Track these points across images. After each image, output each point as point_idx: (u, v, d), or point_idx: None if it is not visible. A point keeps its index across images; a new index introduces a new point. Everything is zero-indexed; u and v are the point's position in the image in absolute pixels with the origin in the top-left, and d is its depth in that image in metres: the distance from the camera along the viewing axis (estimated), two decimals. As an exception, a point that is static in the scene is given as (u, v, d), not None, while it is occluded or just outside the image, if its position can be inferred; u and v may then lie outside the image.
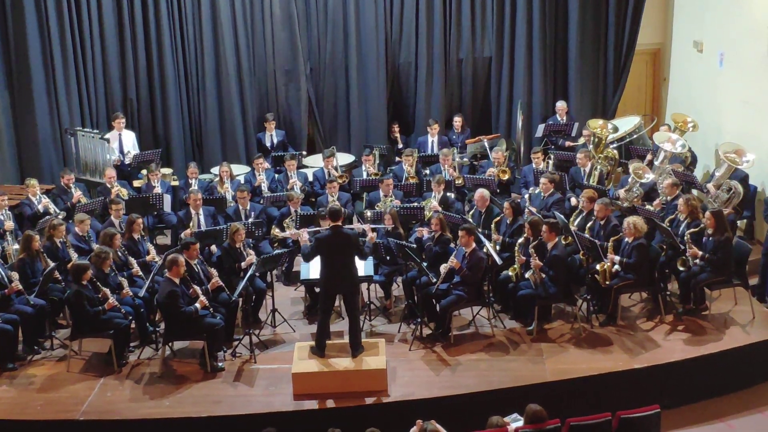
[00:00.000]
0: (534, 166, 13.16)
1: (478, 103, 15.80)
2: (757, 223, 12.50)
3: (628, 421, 7.84)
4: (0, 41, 13.97)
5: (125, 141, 13.95)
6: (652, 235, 11.12)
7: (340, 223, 9.61)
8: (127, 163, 13.74)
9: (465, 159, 14.17)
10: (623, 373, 9.61)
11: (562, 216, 11.27)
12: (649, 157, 12.97)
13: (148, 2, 14.49)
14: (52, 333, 10.54)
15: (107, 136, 13.65)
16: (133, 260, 10.91)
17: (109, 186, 12.76)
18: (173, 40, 14.76)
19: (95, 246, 10.99)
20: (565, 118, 14.64)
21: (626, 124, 14.29)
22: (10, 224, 11.77)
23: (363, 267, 10.20)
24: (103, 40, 14.45)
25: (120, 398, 9.41)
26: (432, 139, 14.56)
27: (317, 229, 11.10)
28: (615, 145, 13.78)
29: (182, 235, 11.59)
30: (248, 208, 12.23)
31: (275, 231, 12.00)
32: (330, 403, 9.23)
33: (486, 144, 14.29)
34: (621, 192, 12.30)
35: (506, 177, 13.19)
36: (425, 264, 10.45)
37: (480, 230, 11.18)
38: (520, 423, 7.72)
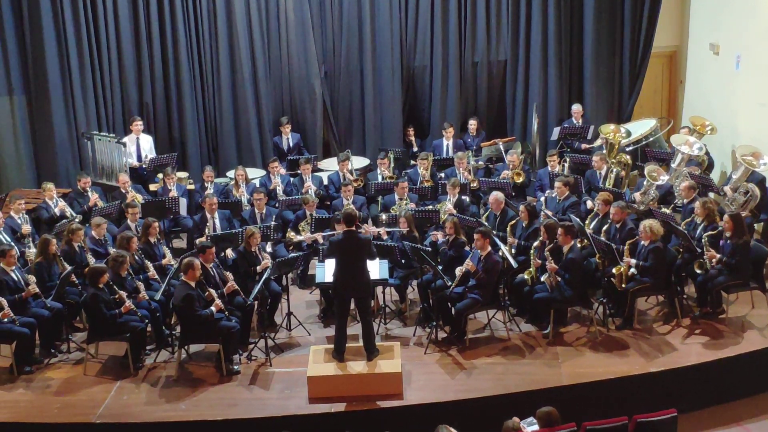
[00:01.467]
0: (549, 169, 13.13)
1: (493, 106, 15.79)
2: (774, 226, 12.43)
3: (644, 425, 7.80)
4: (17, 46, 14.05)
5: (143, 145, 14.00)
6: (669, 238, 11.08)
7: (354, 228, 9.62)
8: (144, 167, 13.80)
9: (480, 162, 14.15)
10: (640, 377, 9.57)
11: (577, 219, 11.25)
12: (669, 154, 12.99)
13: (164, 7, 14.54)
14: (69, 336, 10.60)
15: (124, 139, 13.71)
16: (149, 264, 10.95)
17: (123, 191, 12.81)
18: (189, 44, 14.81)
19: (111, 249, 11.04)
20: (580, 121, 14.60)
21: (642, 127, 14.25)
22: (27, 228, 11.83)
23: (378, 270, 10.20)
24: (119, 44, 14.51)
25: (136, 401, 9.44)
26: (447, 143, 14.56)
27: (332, 233, 11.13)
28: (631, 148, 13.74)
29: (197, 242, 11.62)
30: (264, 211, 12.26)
31: (291, 234, 12.01)
32: (345, 407, 9.23)
33: (501, 147, 14.26)
34: (637, 195, 12.27)
35: (520, 180, 13.16)
36: (440, 267, 10.45)
37: (495, 233, 11.17)
38: (536, 428, 7.70)
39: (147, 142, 14.11)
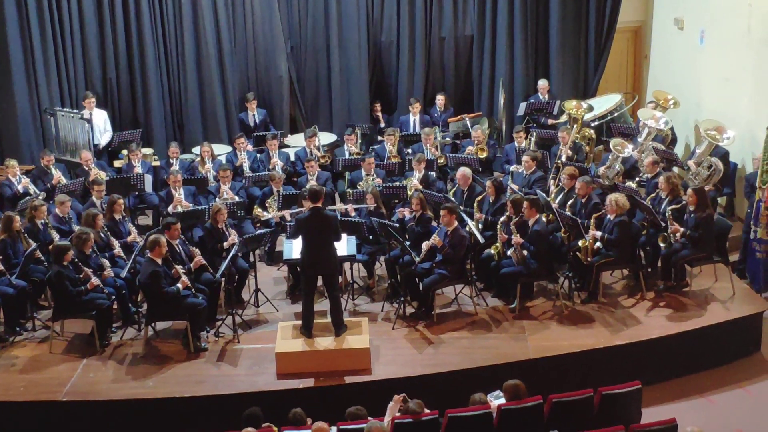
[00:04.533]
0: (516, 144, 13.18)
1: (460, 82, 15.76)
2: (737, 200, 12.57)
3: (610, 397, 7.89)
4: (-23, 22, 13.82)
5: (96, 121, 13.81)
6: (633, 212, 11.16)
7: (320, 204, 9.59)
8: (96, 143, 13.64)
9: (447, 138, 14.16)
10: (605, 350, 9.67)
11: (543, 194, 11.30)
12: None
13: (127, -19, 14.36)
14: (34, 314, 10.49)
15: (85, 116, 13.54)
16: (114, 241, 10.85)
17: (86, 169, 12.67)
18: (153, 19, 14.60)
19: (76, 227, 10.93)
20: (546, 96, 14.64)
21: (607, 102, 14.32)
22: (-10, 205, 11.71)
23: (346, 246, 10.20)
24: (82, 20, 14.28)
25: (103, 379, 9.39)
26: (414, 118, 14.53)
27: (299, 210, 11.10)
28: (596, 123, 13.81)
29: (169, 209, 11.56)
30: (228, 186, 12.18)
31: (257, 211, 11.96)
32: (314, 382, 9.25)
33: (468, 123, 14.28)
34: (602, 170, 12.34)
35: (485, 155, 13.17)
36: (408, 243, 10.46)
37: (463, 209, 11.20)
38: (503, 401, 7.76)
39: (101, 118, 13.92)
